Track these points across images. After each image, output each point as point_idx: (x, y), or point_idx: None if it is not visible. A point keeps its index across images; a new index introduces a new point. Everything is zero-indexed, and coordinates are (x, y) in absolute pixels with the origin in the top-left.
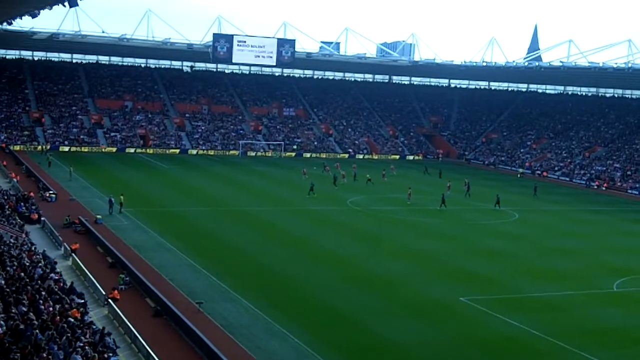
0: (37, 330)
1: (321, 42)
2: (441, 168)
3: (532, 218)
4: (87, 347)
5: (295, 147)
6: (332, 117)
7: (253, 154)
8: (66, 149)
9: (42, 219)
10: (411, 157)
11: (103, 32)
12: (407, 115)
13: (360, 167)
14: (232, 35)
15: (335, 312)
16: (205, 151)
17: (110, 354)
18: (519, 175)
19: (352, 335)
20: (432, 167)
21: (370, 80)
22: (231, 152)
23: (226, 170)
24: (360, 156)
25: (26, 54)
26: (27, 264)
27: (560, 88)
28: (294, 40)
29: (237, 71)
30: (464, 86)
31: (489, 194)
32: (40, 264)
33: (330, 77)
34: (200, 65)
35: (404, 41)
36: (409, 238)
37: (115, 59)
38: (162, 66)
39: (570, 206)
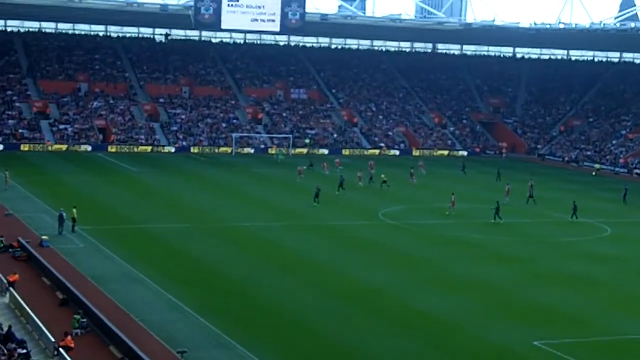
0: None
1: None
2: (502, 167)
3: (628, 233)
4: None
5: (307, 141)
6: (356, 100)
7: (251, 151)
8: None
9: None
10: (464, 153)
11: None
12: (457, 96)
13: (386, 165)
14: None
15: None
16: (185, 148)
17: None
18: (593, 173)
19: None
20: (489, 166)
21: (408, 50)
22: (222, 148)
23: (215, 174)
24: (396, 152)
25: None
26: None
27: None
28: None
29: (227, 40)
30: (534, 57)
31: (564, 200)
32: None
33: (354, 47)
34: (178, 34)
35: None
36: (462, 262)
37: (64, 26)
38: (128, 35)
39: None
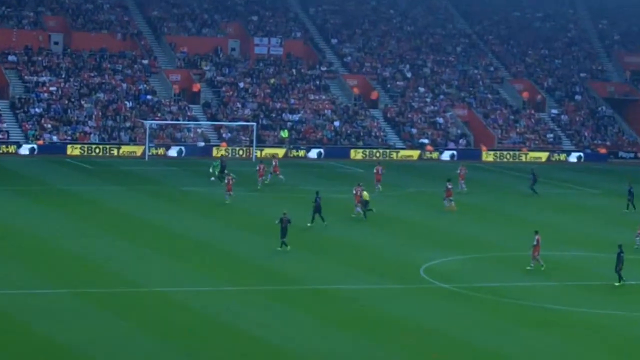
0: None
1: None
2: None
3: None
4: None
5: (284, 134)
6: (376, 58)
7: (177, 153)
8: None
9: None
10: (574, 158)
11: None
12: (565, 51)
13: (430, 177)
14: None
15: None
16: (57, 147)
17: None
18: None
19: None
20: (620, 180)
21: None
22: (125, 148)
23: (112, 196)
24: (450, 155)
25: None
26: None
27: None
28: None
29: None
30: None
31: None
32: None
33: None
34: None
35: None
36: None
37: None
38: None
39: None
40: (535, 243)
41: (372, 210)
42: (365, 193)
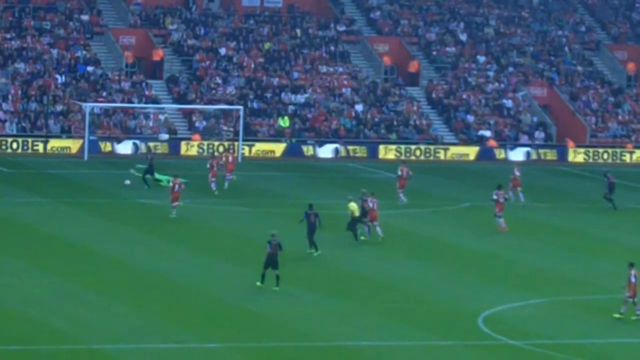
0: None
1: None
2: None
3: None
4: None
5: (283, 123)
6: (415, 13)
7: (130, 148)
8: None
9: None
10: None
11: None
12: None
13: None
14: None
15: None
16: None
17: None
18: None
19: None
20: None
21: None
22: (55, 142)
23: (38, 213)
24: (516, 156)
25: None
26: None
27: None
28: None
29: None
30: None
31: None
32: None
33: None
34: None
35: None
36: None
37: None
38: None
39: None
40: (633, 280)
41: (353, 231)
42: (352, 205)
